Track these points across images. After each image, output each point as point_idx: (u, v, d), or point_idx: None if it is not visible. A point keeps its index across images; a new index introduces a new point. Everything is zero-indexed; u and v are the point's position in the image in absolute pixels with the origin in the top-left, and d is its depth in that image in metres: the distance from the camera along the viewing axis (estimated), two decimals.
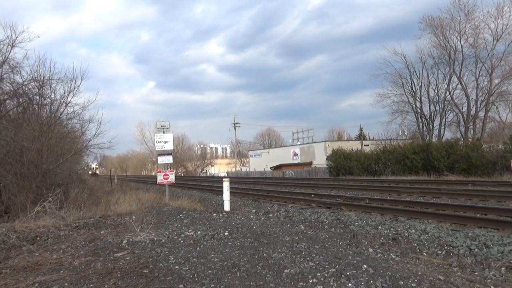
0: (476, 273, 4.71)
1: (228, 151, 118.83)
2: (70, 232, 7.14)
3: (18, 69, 11.89)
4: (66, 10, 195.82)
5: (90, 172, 72.51)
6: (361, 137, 57.25)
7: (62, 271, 4.64)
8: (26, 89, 11.99)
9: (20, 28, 11.42)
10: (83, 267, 4.80)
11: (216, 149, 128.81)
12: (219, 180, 31.64)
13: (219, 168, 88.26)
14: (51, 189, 9.68)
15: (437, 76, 39.44)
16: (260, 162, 58.96)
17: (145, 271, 4.48)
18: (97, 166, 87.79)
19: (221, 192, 13.26)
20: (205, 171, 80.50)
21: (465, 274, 4.67)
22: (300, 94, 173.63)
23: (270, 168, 51.25)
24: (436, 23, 37.67)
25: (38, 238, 6.66)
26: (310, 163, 46.17)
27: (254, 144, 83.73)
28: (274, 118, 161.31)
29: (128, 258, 5.15)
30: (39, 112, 12.80)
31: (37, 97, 12.60)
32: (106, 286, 3.99)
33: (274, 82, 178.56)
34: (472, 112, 36.33)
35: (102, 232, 7.25)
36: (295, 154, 53.38)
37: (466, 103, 36.86)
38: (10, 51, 11.22)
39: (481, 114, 36.14)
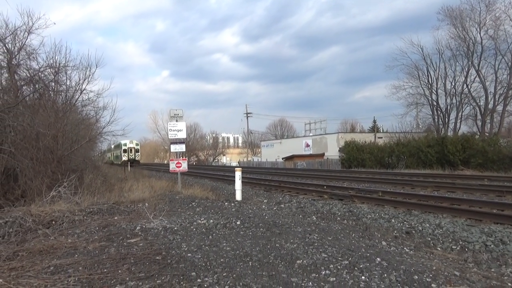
0: (492, 270, 4.62)
1: (240, 141, 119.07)
2: (85, 217, 7.25)
3: (34, 55, 12.06)
4: None
5: (125, 158, 51.00)
6: (374, 129, 56.59)
7: (76, 255, 4.71)
8: (42, 75, 12.17)
9: (36, 14, 11.54)
10: (97, 252, 4.87)
11: (228, 138, 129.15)
12: (230, 169, 31.77)
13: (231, 158, 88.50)
14: (66, 174, 9.84)
15: (455, 68, 38.62)
16: (272, 153, 58.85)
17: (158, 258, 4.51)
18: (137, 145, 55.15)
19: (232, 182, 13.29)
20: (216, 160, 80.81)
21: (481, 270, 4.59)
22: (313, 85, 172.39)
23: (282, 158, 51.12)
24: (455, 14, 36.79)
25: (53, 222, 6.78)
26: (322, 155, 45.91)
27: (266, 135, 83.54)
28: (287, 108, 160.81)
29: (141, 245, 5.20)
30: (54, 99, 12.98)
31: (53, 84, 12.77)
32: (119, 271, 4.04)
33: (288, 72, 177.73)
34: (490, 106, 35.53)
35: (115, 218, 7.34)
36: (307, 145, 53.10)
37: (484, 97, 36.05)
38: (27, 38, 11.36)
39: (499, 108, 35.33)
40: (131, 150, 53.40)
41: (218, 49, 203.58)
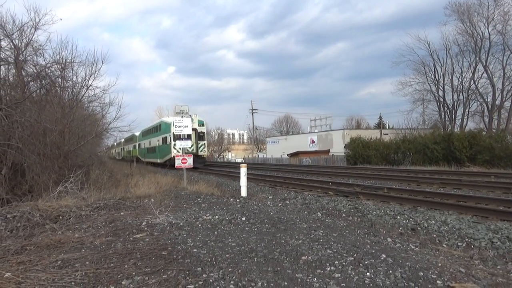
0: (498, 267, 4.60)
1: (245, 137, 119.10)
2: (91, 213, 7.31)
3: (41, 51, 12.11)
4: None
5: (176, 151, 23.37)
6: (380, 125, 56.35)
7: (83, 250, 4.76)
8: (49, 71, 12.21)
9: (43, 10, 11.59)
10: (103, 246, 4.91)
11: (233, 135, 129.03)
12: (235, 165, 31.82)
13: (236, 154, 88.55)
14: (72, 170, 9.92)
15: (462, 64, 38.36)
16: (277, 149, 58.80)
17: (163, 253, 4.55)
18: (202, 126, 28.75)
19: (238, 178, 13.31)
20: (222, 156, 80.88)
21: (487, 267, 4.57)
22: (319, 82, 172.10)
23: (287, 155, 51.07)
24: (463, 9, 36.47)
25: (60, 217, 6.85)
26: (328, 151, 45.80)
27: (271, 131, 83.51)
28: (292, 105, 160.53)
29: (147, 240, 5.24)
30: (61, 95, 13.06)
31: (59, 80, 12.85)
32: (126, 266, 4.07)
33: (293, 69, 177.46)
34: (498, 102, 35.23)
35: (122, 213, 7.39)
36: (313, 142, 52.99)
37: (491, 93, 35.80)
38: (34, 34, 11.41)
39: (507, 104, 35.08)
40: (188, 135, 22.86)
41: (224, 45, 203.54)
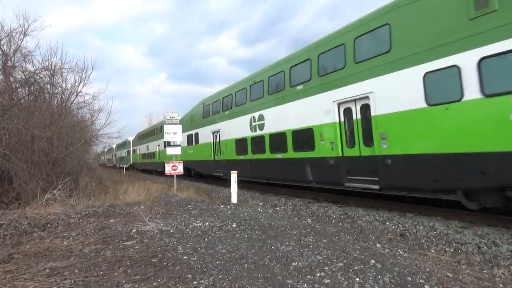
0: (484, 271, 4.68)
1: None
2: (80, 220, 7.24)
3: (30, 57, 12.06)
4: (84, 1, 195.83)
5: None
6: None
7: (72, 258, 4.71)
8: (38, 77, 12.15)
9: (32, 17, 11.56)
10: (93, 254, 4.87)
11: None
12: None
13: None
14: (61, 177, 9.82)
15: None
16: None
17: (154, 260, 4.53)
18: None
19: (228, 185, 13.30)
20: None
21: (474, 271, 4.65)
22: None
23: None
24: None
25: (48, 225, 6.76)
26: None
27: None
28: None
29: (137, 247, 5.21)
30: (50, 101, 12.97)
31: (48, 86, 12.77)
32: (115, 273, 4.05)
33: None
34: None
35: (111, 220, 7.33)
36: None
37: None
38: (23, 40, 11.36)
39: None
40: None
41: (216, 52, 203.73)
